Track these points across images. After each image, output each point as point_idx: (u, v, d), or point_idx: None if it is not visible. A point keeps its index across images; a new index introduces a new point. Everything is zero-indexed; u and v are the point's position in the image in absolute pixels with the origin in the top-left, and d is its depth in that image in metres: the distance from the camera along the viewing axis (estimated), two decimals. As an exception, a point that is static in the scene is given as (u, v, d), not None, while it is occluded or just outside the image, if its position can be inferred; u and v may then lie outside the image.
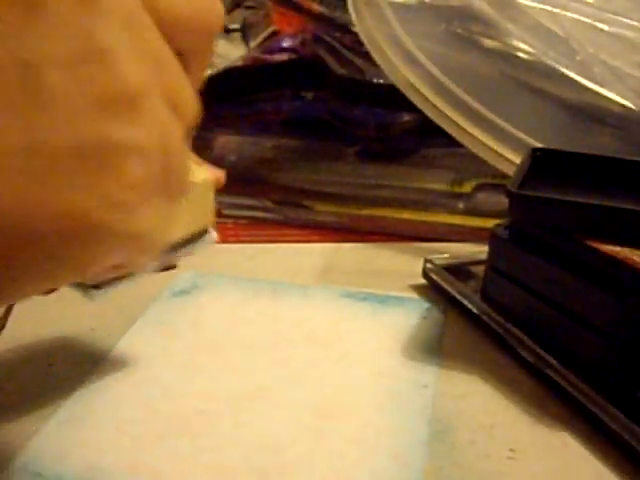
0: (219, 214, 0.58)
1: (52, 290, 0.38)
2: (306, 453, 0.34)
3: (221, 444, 0.35)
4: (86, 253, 0.23)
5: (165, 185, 0.25)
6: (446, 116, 0.56)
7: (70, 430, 0.35)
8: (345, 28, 0.71)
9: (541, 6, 0.64)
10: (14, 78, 0.20)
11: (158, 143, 0.24)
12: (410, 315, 0.47)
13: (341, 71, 0.69)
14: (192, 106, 0.27)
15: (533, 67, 0.61)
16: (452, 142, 0.56)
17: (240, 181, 0.64)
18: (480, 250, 0.48)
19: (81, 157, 0.21)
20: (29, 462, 0.33)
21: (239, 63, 0.76)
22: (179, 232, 0.36)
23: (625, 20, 0.64)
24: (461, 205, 0.62)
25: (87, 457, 0.34)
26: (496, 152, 0.55)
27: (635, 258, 0.38)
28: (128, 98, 0.22)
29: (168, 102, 0.25)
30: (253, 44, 0.83)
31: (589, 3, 0.65)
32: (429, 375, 0.40)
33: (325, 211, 0.62)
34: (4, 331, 0.44)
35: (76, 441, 0.35)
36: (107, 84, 0.22)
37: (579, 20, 0.64)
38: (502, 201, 0.43)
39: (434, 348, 0.43)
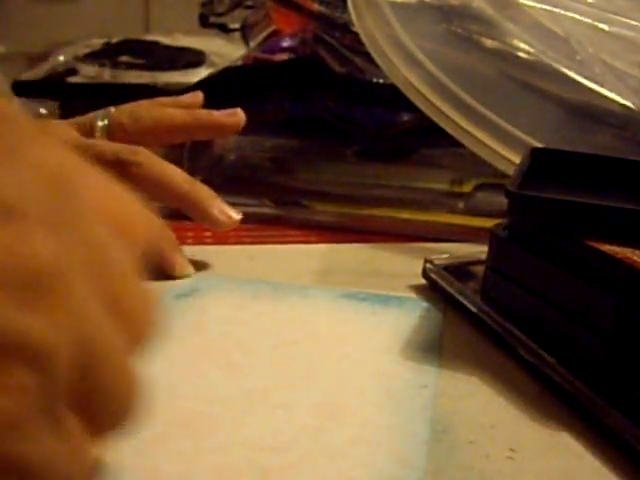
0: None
1: None
2: (307, 453, 0.34)
3: (223, 445, 0.35)
4: None
5: (81, 406, 0.19)
6: (446, 116, 0.56)
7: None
8: (345, 28, 0.71)
9: (541, 6, 0.64)
10: None
11: (67, 342, 0.18)
12: (410, 315, 0.47)
13: (341, 71, 0.69)
14: (144, 312, 0.22)
15: (533, 67, 0.61)
16: (452, 142, 0.56)
17: (240, 181, 0.64)
18: (480, 250, 0.48)
19: None
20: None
21: (239, 63, 0.76)
22: None
23: (625, 20, 0.64)
24: (461, 205, 0.62)
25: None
26: (496, 152, 0.55)
27: (635, 258, 0.38)
28: (34, 278, 0.18)
29: (103, 297, 0.20)
30: (253, 44, 0.83)
31: (589, 3, 0.65)
32: (429, 375, 0.41)
33: (325, 211, 0.63)
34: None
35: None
36: (6, 252, 0.17)
37: (579, 20, 0.64)
38: (502, 201, 0.43)
39: (434, 348, 0.43)
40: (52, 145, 0.20)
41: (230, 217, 0.51)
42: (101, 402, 0.20)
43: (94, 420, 0.20)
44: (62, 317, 0.18)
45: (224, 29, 0.91)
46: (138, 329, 0.21)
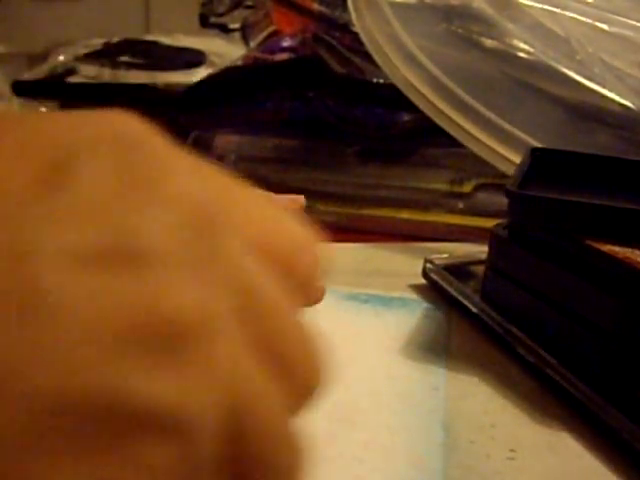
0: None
1: None
2: (323, 458, 0.34)
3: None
4: None
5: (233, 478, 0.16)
6: (446, 116, 0.56)
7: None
8: (345, 28, 0.71)
9: (541, 6, 0.64)
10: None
11: (209, 407, 0.15)
12: (413, 316, 0.47)
13: (341, 71, 0.69)
14: (307, 361, 0.18)
15: (533, 67, 0.61)
16: (452, 142, 0.56)
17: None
18: (480, 250, 0.48)
19: (85, 418, 0.14)
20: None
21: (239, 63, 0.76)
22: None
23: (625, 20, 0.64)
24: (461, 205, 0.62)
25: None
26: (496, 152, 0.55)
27: (635, 258, 0.38)
28: (171, 331, 0.15)
29: (255, 345, 0.17)
30: (253, 44, 0.83)
31: (589, 3, 0.65)
32: (438, 377, 0.40)
33: (325, 211, 0.63)
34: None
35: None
36: (140, 304, 0.14)
37: (579, 20, 0.64)
38: (502, 201, 0.43)
39: (441, 349, 0.43)
40: (194, 171, 0.17)
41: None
42: (258, 473, 0.17)
43: None
44: (207, 378, 0.15)
45: (224, 29, 0.91)
46: (300, 385, 0.18)
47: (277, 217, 0.19)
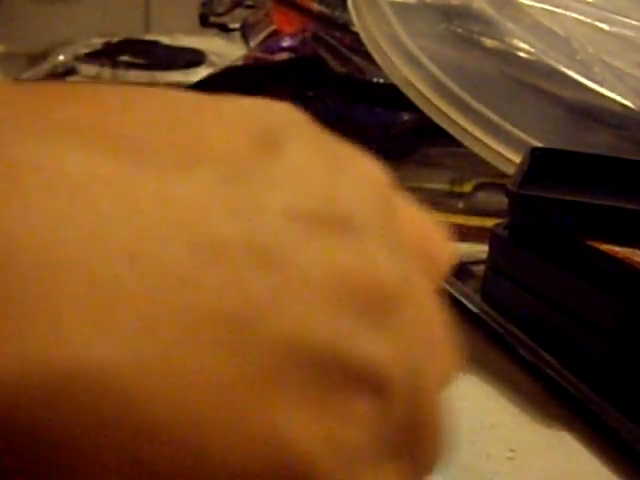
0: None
1: None
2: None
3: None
4: None
5: (406, 444, 0.17)
6: (446, 115, 0.56)
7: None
8: (345, 27, 0.71)
9: (541, 5, 0.64)
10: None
11: (404, 372, 0.16)
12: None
13: (341, 70, 0.69)
14: (449, 355, 0.19)
15: (533, 66, 0.61)
16: (452, 142, 0.56)
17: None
18: (480, 250, 0.48)
19: (311, 368, 0.15)
20: None
21: (239, 63, 0.76)
22: None
23: (625, 20, 0.64)
24: (461, 204, 0.62)
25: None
26: (496, 151, 0.55)
27: (635, 258, 0.38)
28: (381, 299, 0.16)
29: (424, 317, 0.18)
30: (253, 43, 0.83)
31: (589, 3, 0.65)
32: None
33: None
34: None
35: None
36: (356, 267, 0.15)
37: (579, 19, 0.64)
38: (502, 201, 0.43)
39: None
40: (373, 161, 0.18)
41: None
42: (418, 444, 0.18)
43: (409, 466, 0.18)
44: (402, 345, 0.16)
45: (224, 29, 0.91)
46: (448, 367, 0.19)
47: (432, 226, 0.21)
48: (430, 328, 0.18)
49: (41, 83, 0.16)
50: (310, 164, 0.16)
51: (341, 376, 0.15)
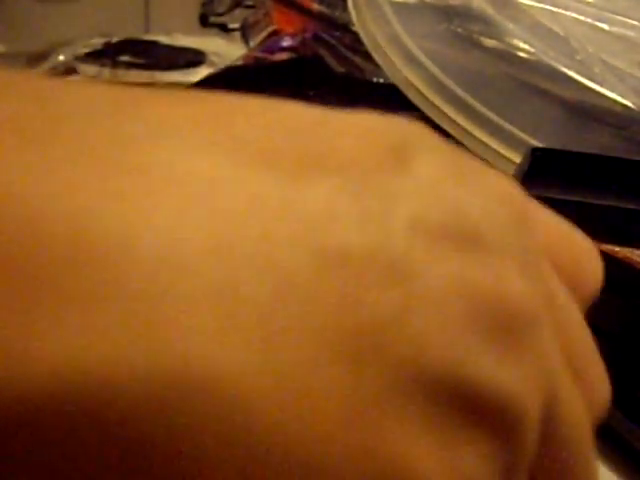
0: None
1: None
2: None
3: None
4: None
5: None
6: (446, 115, 0.56)
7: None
8: (345, 27, 0.71)
9: (541, 5, 0.64)
10: None
11: (538, 405, 0.15)
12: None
13: (341, 70, 0.69)
14: (602, 382, 0.18)
15: (533, 66, 0.61)
16: (452, 142, 0.56)
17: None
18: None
19: (433, 393, 0.14)
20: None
21: (239, 63, 0.76)
22: None
23: (625, 20, 0.64)
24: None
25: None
26: (496, 151, 0.55)
27: (635, 258, 0.38)
28: (513, 322, 0.15)
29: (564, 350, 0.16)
30: (253, 44, 0.83)
31: (589, 2, 0.65)
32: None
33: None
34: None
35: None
36: (486, 287, 0.14)
37: (579, 19, 0.64)
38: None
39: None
40: (504, 176, 0.17)
41: None
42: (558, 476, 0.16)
43: None
44: (537, 374, 0.15)
45: (224, 29, 0.91)
46: (595, 401, 0.17)
47: (562, 225, 0.20)
48: (577, 354, 0.17)
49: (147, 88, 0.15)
50: (440, 177, 0.15)
51: (464, 406, 0.14)
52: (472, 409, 0.14)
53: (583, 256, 0.19)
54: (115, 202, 0.12)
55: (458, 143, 0.56)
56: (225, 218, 0.13)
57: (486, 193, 0.16)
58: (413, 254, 0.14)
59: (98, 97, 0.14)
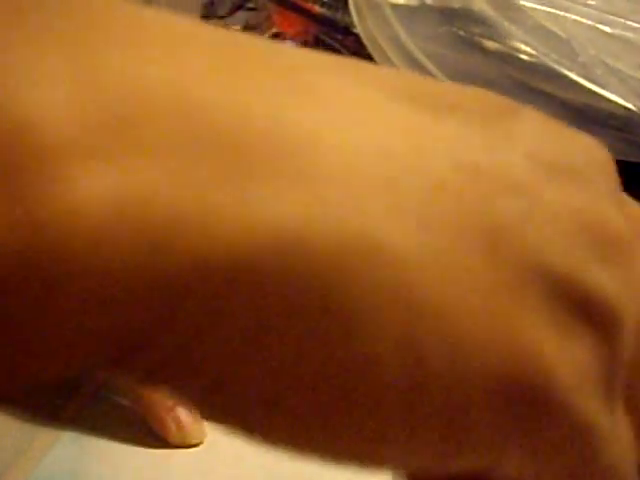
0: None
1: None
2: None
3: (239, 454, 0.34)
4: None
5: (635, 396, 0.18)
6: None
7: (85, 445, 0.35)
8: (346, 30, 0.71)
9: (543, 7, 0.64)
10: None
11: (636, 309, 0.17)
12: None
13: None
14: None
15: (535, 69, 0.61)
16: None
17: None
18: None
19: (551, 290, 0.16)
20: (45, 477, 0.33)
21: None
22: None
23: (627, 22, 0.64)
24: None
25: (102, 472, 0.34)
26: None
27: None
28: (613, 241, 0.17)
29: None
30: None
31: (591, 5, 0.65)
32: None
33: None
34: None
35: (91, 456, 0.35)
36: (591, 215, 0.17)
37: (581, 22, 0.64)
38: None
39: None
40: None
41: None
42: None
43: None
44: (635, 284, 0.17)
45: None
46: None
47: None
48: None
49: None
50: (546, 127, 0.18)
51: (577, 304, 0.16)
52: (583, 307, 0.16)
53: None
54: (299, 111, 0.15)
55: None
56: (386, 134, 0.16)
57: (583, 143, 0.18)
58: (533, 177, 0.16)
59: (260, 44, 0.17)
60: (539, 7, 0.64)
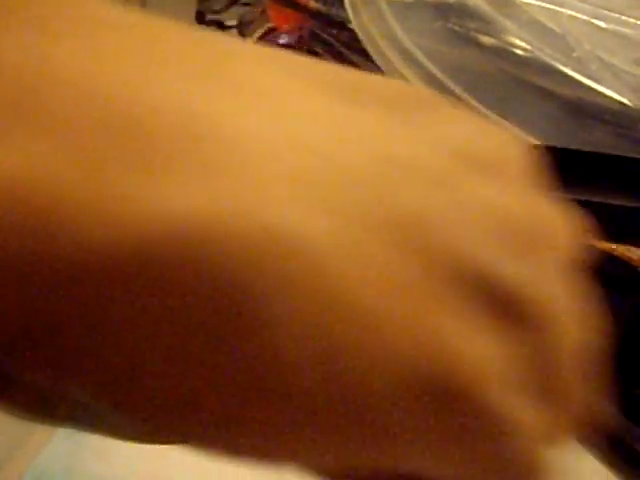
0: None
1: None
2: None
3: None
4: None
5: (547, 389, 0.17)
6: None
7: (80, 440, 0.35)
8: (342, 25, 0.71)
9: (538, 2, 0.64)
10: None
11: (549, 308, 0.17)
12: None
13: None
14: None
15: (530, 64, 0.61)
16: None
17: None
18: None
19: (469, 284, 0.16)
20: (40, 473, 0.33)
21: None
22: None
23: (622, 17, 0.65)
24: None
25: (98, 468, 0.34)
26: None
27: (631, 255, 0.38)
28: (530, 238, 0.17)
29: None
30: (250, 41, 0.83)
31: (586, 0, 0.65)
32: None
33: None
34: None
35: (87, 452, 0.35)
36: (510, 211, 0.17)
37: (576, 17, 0.64)
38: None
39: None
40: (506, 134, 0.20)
41: None
42: (559, 391, 0.18)
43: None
44: (549, 280, 0.17)
45: (221, 26, 0.91)
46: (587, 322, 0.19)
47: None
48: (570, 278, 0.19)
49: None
50: (464, 121, 0.18)
51: (489, 297, 0.16)
52: (497, 301, 0.16)
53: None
54: (209, 101, 0.15)
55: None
56: (301, 123, 0.15)
57: (500, 138, 0.19)
58: (455, 170, 0.16)
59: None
60: (534, 2, 0.64)
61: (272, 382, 0.14)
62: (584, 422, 0.20)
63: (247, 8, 0.89)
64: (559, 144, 0.49)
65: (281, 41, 0.76)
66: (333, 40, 0.71)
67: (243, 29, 0.86)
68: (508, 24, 0.63)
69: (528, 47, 0.61)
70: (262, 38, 0.81)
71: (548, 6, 0.64)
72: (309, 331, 0.14)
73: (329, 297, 0.14)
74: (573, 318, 0.18)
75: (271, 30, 0.81)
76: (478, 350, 0.15)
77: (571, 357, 0.17)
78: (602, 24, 0.64)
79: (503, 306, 0.16)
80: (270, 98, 0.16)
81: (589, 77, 0.59)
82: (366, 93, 0.17)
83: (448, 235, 0.16)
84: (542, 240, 0.17)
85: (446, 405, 0.15)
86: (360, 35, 0.61)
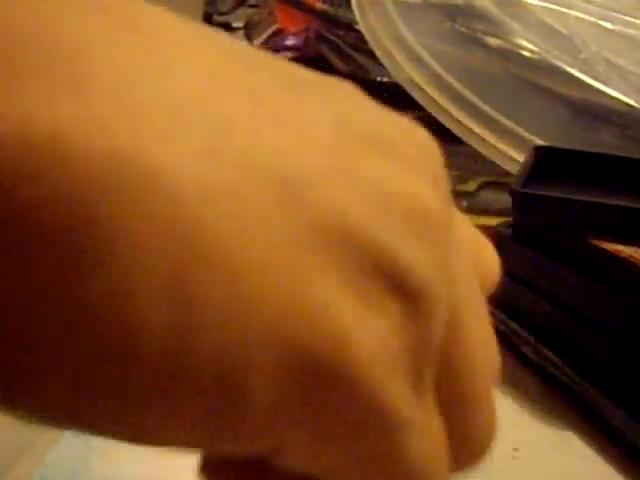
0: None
1: None
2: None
3: None
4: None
5: (444, 376, 0.17)
6: (450, 114, 0.56)
7: (87, 442, 0.35)
8: (349, 26, 0.71)
9: (545, 4, 0.64)
10: None
11: (443, 287, 0.16)
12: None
13: (345, 69, 0.69)
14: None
15: (537, 65, 0.61)
16: (456, 140, 0.56)
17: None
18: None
19: (353, 253, 0.15)
20: (48, 475, 0.33)
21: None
22: None
23: (629, 18, 0.64)
24: (465, 203, 0.62)
25: (105, 470, 0.34)
26: (500, 150, 0.55)
27: (638, 257, 0.38)
28: (426, 218, 0.16)
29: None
30: (257, 42, 0.83)
31: (593, 1, 0.65)
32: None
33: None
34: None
35: (95, 454, 0.35)
36: (405, 189, 0.16)
37: (583, 18, 0.64)
38: (506, 199, 0.43)
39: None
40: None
41: None
42: (456, 379, 0.17)
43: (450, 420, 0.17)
44: (444, 262, 0.16)
45: (228, 28, 0.91)
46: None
47: (481, 241, 0.20)
48: (470, 259, 0.18)
49: None
50: (371, 106, 0.18)
51: (379, 273, 0.15)
52: (388, 279, 0.15)
53: (485, 258, 0.20)
54: (91, 27, 0.14)
55: (462, 141, 0.56)
56: (190, 73, 0.14)
57: (407, 125, 0.18)
58: (344, 142, 0.15)
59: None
60: (541, 4, 0.64)
61: (123, 334, 0.13)
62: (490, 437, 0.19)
63: (254, 10, 0.89)
64: (566, 145, 0.49)
65: (288, 42, 0.76)
66: (340, 41, 0.71)
67: (250, 31, 0.86)
68: (515, 25, 0.63)
69: (535, 49, 0.61)
70: (269, 39, 0.81)
71: (555, 8, 0.64)
72: (168, 278, 0.13)
73: (192, 244, 0.13)
74: (466, 302, 0.17)
75: (278, 31, 0.81)
76: (368, 331, 0.14)
77: (462, 347, 0.17)
78: (609, 26, 0.64)
79: (397, 287, 0.15)
80: (175, 52, 0.15)
81: (595, 78, 0.59)
82: (273, 68, 0.16)
83: (338, 202, 0.14)
84: (443, 229, 0.16)
85: (330, 388, 0.14)
86: (367, 36, 0.61)
